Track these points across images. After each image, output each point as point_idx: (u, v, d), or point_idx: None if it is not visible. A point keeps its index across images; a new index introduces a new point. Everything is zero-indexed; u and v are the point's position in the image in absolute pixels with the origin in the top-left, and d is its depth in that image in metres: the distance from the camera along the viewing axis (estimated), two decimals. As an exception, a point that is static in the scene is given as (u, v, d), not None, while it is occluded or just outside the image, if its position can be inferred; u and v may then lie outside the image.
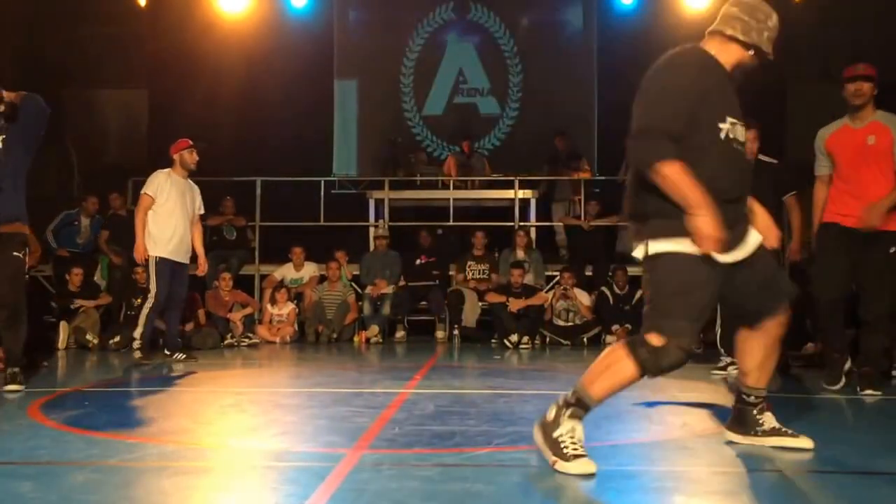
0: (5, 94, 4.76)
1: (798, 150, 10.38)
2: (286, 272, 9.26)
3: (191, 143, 6.78)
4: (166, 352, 6.67)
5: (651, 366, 2.89)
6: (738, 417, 3.35)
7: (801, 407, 4.62)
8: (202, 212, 6.90)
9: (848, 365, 5.08)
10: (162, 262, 6.53)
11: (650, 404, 4.83)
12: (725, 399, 5.03)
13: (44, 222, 8.99)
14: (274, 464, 3.12)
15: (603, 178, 10.73)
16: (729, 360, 5.95)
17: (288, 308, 8.75)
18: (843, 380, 5.00)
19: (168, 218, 6.56)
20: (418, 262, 9.31)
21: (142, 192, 6.67)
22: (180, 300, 6.76)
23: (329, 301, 8.88)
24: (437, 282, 9.16)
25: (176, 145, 6.77)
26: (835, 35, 10.67)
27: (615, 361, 2.96)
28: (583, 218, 9.86)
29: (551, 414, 2.99)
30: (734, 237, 2.94)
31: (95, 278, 9.06)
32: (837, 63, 10.80)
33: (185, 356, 6.63)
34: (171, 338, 6.73)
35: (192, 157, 6.72)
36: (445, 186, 10.30)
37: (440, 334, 8.98)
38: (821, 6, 10.52)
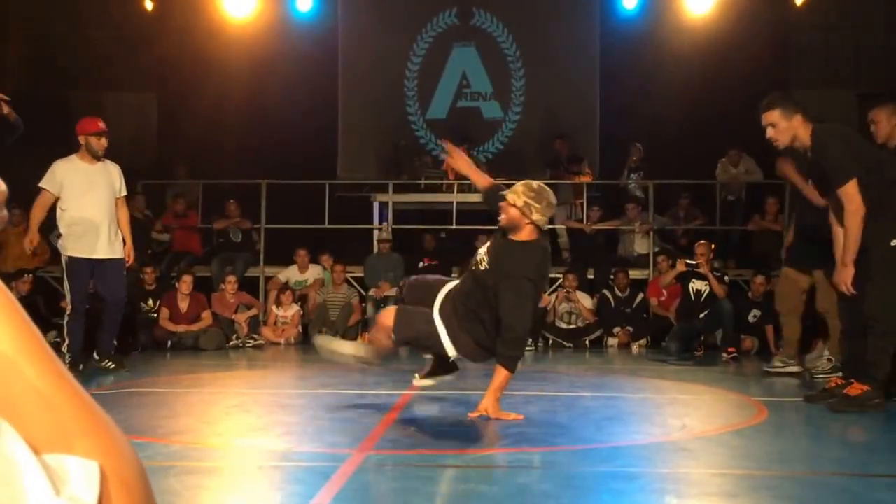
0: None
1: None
2: (291, 274, 9.30)
3: (101, 127, 5.83)
4: (95, 356, 6.00)
5: None
6: None
7: (802, 409, 4.65)
8: (125, 194, 6.02)
9: None
10: (74, 263, 5.78)
11: (651, 406, 4.86)
12: (725, 400, 5.06)
13: (53, 224, 9.04)
14: (279, 464, 3.15)
15: (605, 181, 10.76)
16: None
17: (292, 310, 8.79)
18: None
19: (81, 212, 5.76)
20: (421, 264, 9.34)
21: (40, 185, 5.84)
22: (117, 300, 5.92)
23: (333, 303, 8.92)
24: (441, 284, 9.18)
25: (81, 125, 5.85)
26: (837, 41, 10.69)
27: None
28: (585, 221, 9.89)
29: None
30: None
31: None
32: (839, 69, 10.87)
33: (114, 365, 5.94)
34: (103, 342, 5.99)
35: (99, 144, 5.81)
36: (449, 189, 10.33)
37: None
38: (823, 11, 10.56)
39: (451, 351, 3.98)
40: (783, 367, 6.02)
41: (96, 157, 5.85)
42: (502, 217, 3.94)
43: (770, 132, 4.43)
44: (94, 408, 0.56)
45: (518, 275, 3.79)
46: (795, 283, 5.99)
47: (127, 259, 6.00)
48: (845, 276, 4.38)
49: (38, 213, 5.87)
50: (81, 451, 0.53)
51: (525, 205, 3.86)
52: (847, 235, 4.34)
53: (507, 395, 4.22)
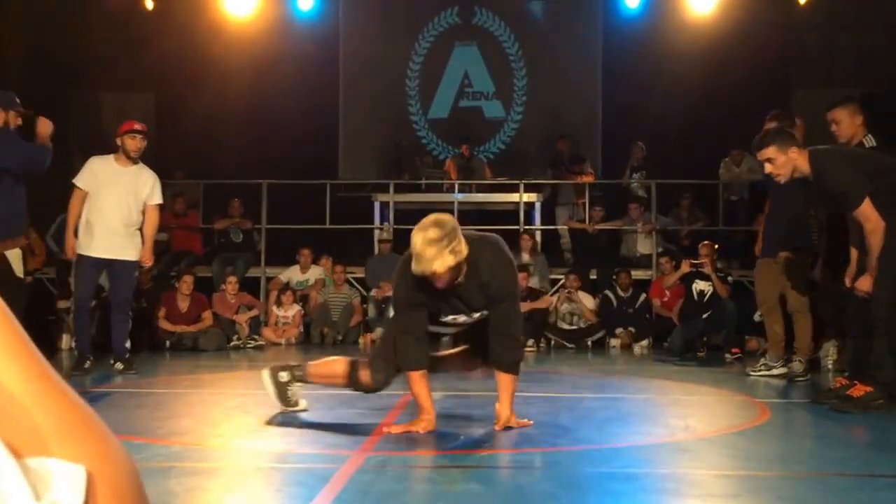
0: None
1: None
2: (292, 274, 9.29)
3: (135, 127, 5.91)
4: (111, 361, 6.01)
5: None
6: None
7: (805, 410, 4.63)
8: (159, 202, 6.03)
9: None
10: (82, 260, 5.81)
11: (653, 407, 4.84)
12: (728, 401, 5.04)
13: (49, 226, 9.02)
14: (279, 465, 3.14)
15: (607, 181, 10.73)
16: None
17: (293, 310, 8.77)
18: None
19: (96, 210, 5.79)
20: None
21: (73, 181, 5.90)
22: (123, 302, 5.93)
23: (334, 303, 8.91)
24: (442, 284, 9.16)
25: (119, 128, 6.00)
26: (840, 40, 10.66)
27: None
28: (587, 221, 9.87)
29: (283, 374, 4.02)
30: None
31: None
32: (842, 68, 10.84)
33: (123, 367, 5.91)
34: (115, 344, 5.98)
35: (133, 144, 5.84)
36: (450, 190, 10.32)
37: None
38: (826, 10, 10.53)
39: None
40: (767, 370, 5.98)
41: (130, 159, 5.89)
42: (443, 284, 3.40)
43: (769, 168, 4.46)
44: (84, 410, 0.54)
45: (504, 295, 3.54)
46: (767, 274, 5.98)
47: (145, 262, 6.06)
48: (867, 286, 4.41)
49: (73, 210, 5.85)
50: (68, 455, 0.51)
51: (452, 258, 3.23)
52: (870, 252, 4.35)
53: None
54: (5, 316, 0.53)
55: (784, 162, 4.37)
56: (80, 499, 0.49)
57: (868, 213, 4.28)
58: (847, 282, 4.69)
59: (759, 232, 6.43)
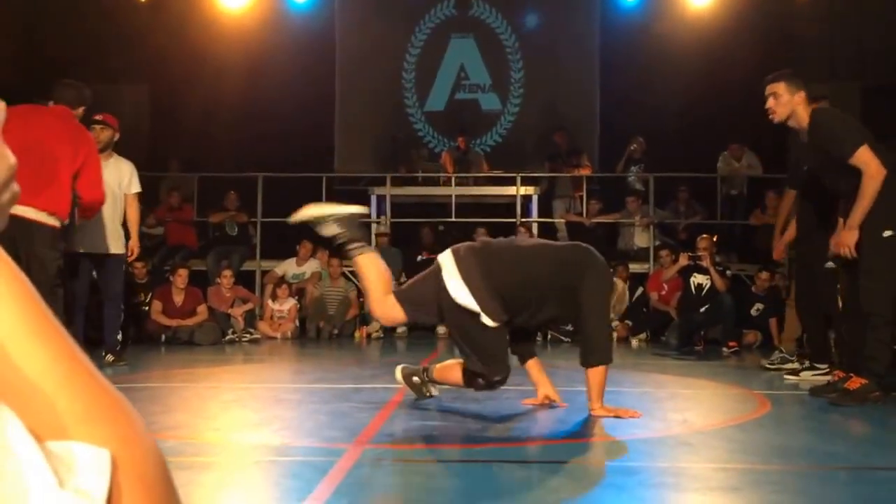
0: None
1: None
2: (287, 268, 9.26)
3: (96, 118, 5.93)
4: (102, 353, 5.99)
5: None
6: None
7: (803, 403, 4.62)
8: (137, 190, 6.06)
9: None
10: (76, 259, 5.83)
11: (651, 401, 4.83)
12: (726, 395, 5.03)
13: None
14: (276, 459, 3.12)
15: (604, 174, 10.71)
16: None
17: (289, 304, 8.75)
18: None
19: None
20: (420, 258, 9.30)
21: None
22: (114, 295, 6.02)
23: (330, 297, 8.88)
24: (439, 278, 9.13)
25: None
26: (840, 34, 10.63)
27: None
28: (584, 214, 9.85)
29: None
30: None
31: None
32: (843, 63, 10.81)
33: (113, 359, 5.96)
34: (106, 336, 6.05)
35: (95, 136, 5.79)
36: (447, 183, 10.28)
37: (441, 330, 8.98)
38: (826, 3, 10.51)
39: (458, 294, 3.65)
40: (782, 363, 5.98)
41: (101, 151, 5.85)
42: None
43: (770, 102, 4.47)
44: (113, 393, 0.53)
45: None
46: None
47: (130, 253, 6.09)
48: (850, 240, 4.29)
49: None
50: (97, 438, 0.50)
51: None
52: (861, 197, 4.22)
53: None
54: (34, 299, 0.52)
55: (787, 101, 4.41)
56: (105, 485, 0.48)
57: (867, 158, 4.18)
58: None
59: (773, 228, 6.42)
